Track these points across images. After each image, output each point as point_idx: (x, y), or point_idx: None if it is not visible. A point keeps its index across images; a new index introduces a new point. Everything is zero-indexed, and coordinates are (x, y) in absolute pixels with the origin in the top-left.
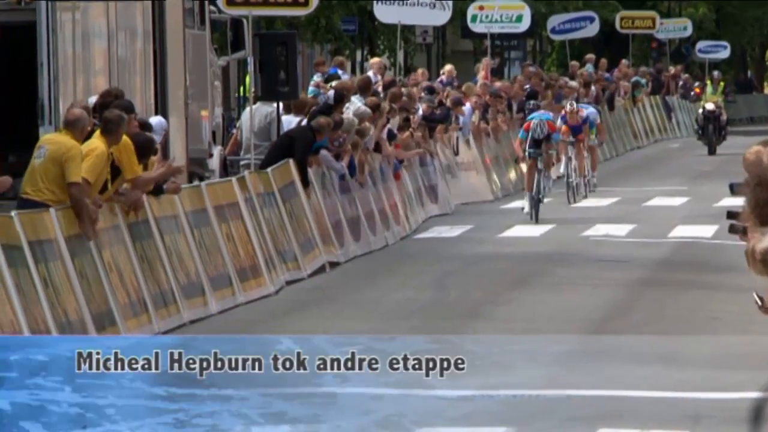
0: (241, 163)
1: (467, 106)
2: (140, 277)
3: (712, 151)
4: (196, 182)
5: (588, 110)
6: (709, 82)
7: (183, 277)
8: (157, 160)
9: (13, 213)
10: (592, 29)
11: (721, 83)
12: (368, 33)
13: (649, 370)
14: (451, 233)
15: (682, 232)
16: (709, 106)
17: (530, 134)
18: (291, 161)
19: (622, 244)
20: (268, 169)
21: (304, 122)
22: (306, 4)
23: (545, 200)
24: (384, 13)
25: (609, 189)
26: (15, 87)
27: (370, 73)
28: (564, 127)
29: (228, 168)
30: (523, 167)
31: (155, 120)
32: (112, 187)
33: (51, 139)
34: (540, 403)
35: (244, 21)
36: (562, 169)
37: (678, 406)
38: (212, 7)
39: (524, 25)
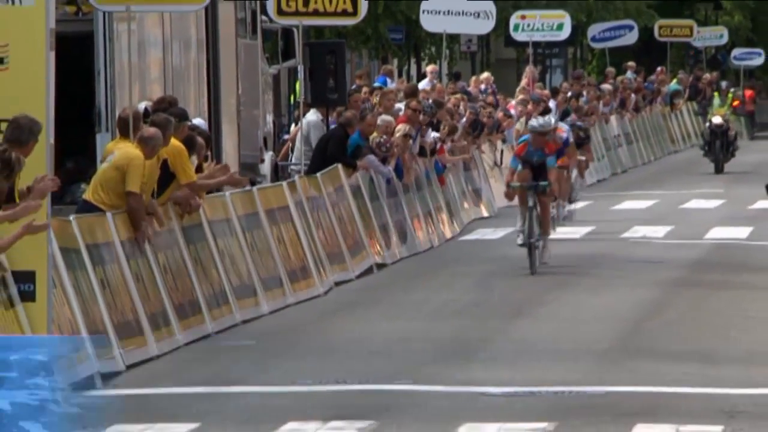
0: (291, 167)
1: (511, 111)
2: (194, 279)
3: (719, 169)
4: (248, 186)
5: (566, 128)
6: (716, 94)
7: (235, 279)
8: (209, 165)
9: (71, 217)
10: (631, 37)
11: (729, 95)
12: (414, 42)
13: (684, 368)
14: (495, 235)
15: (718, 233)
16: (716, 119)
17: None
18: (340, 166)
19: (659, 245)
20: (318, 174)
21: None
22: (354, 14)
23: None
24: (430, 23)
25: (647, 192)
26: (72, 95)
27: (426, 81)
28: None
29: (279, 173)
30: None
31: (198, 121)
32: (168, 191)
33: (120, 147)
34: (579, 399)
35: (295, 30)
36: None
37: (713, 402)
38: (264, 17)
39: (565, 33)
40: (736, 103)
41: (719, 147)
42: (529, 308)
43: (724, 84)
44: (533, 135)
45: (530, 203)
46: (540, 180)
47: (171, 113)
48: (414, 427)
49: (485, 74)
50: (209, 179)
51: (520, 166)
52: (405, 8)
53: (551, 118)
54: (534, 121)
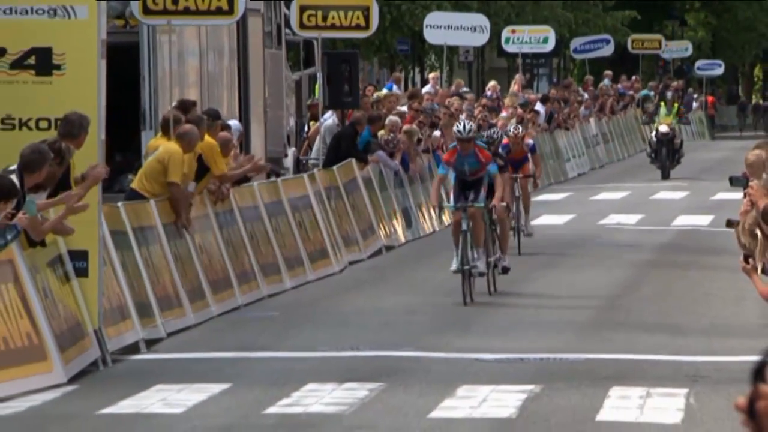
0: (311, 161)
1: (503, 114)
2: (226, 259)
3: (665, 176)
4: (273, 178)
5: (532, 136)
6: (662, 104)
7: (262, 258)
8: (234, 156)
9: (119, 204)
10: (608, 50)
11: (675, 104)
12: (419, 52)
13: (654, 338)
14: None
15: (683, 221)
16: (663, 128)
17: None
18: (353, 161)
19: (632, 231)
20: (334, 167)
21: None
22: (366, 27)
23: (479, 274)
24: (433, 36)
25: (621, 184)
26: (120, 98)
27: (429, 86)
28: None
29: (300, 166)
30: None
31: (233, 123)
32: (203, 182)
33: (163, 144)
34: (562, 365)
35: (315, 42)
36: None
37: (679, 368)
38: (287, 30)
39: (550, 45)
40: (681, 111)
41: (665, 154)
42: (517, 285)
43: (668, 94)
44: (459, 141)
45: (464, 226)
46: (474, 195)
47: (205, 113)
48: (418, 388)
49: (492, 82)
50: (237, 170)
51: (451, 175)
52: (411, 22)
53: (473, 126)
54: (458, 126)
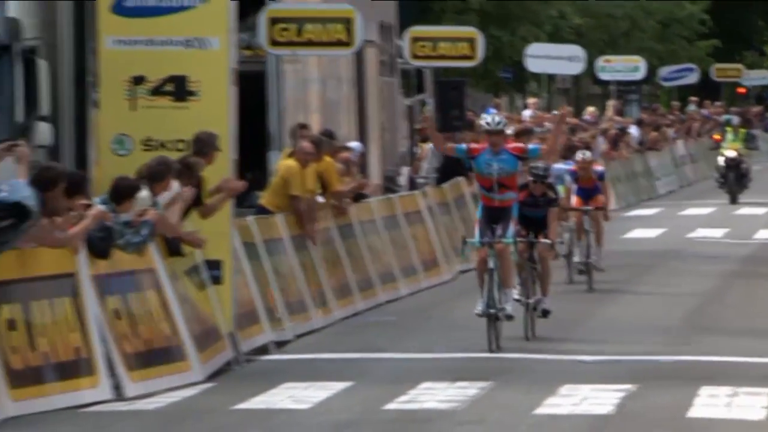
0: (422, 179)
1: (600, 138)
2: (347, 267)
3: (734, 200)
4: (389, 195)
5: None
6: (729, 129)
7: (380, 267)
8: (351, 174)
9: (250, 218)
10: (693, 77)
11: (741, 130)
12: (521, 80)
13: (739, 341)
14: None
15: (765, 234)
16: (730, 153)
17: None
18: (462, 179)
19: (717, 243)
20: (444, 185)
21: None
22: (472, 57)
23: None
24: (533, 64)
25: (707, 201)
26: (249, 121)
27: (529, 110)
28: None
29: (413, 183)
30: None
31: (355, 144)
32: (326, 198)
33: (283, 162)
34: (655, 366)
35: (426, 71)
36: (563, 249)
37: (762, 369)
38: (401, 60)
39: (640, 73)
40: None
41: (733, 179)
42: (612, 294)
43: (734, 120)
44: (488, 136)
45: (490, 264)
46: (502, 230)
47: (321, 134)
48: (524, 387)
49: (591, 108)
50: (347, 187)
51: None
52: (513, 53)
53: (503, 119)
54: (485, 118)
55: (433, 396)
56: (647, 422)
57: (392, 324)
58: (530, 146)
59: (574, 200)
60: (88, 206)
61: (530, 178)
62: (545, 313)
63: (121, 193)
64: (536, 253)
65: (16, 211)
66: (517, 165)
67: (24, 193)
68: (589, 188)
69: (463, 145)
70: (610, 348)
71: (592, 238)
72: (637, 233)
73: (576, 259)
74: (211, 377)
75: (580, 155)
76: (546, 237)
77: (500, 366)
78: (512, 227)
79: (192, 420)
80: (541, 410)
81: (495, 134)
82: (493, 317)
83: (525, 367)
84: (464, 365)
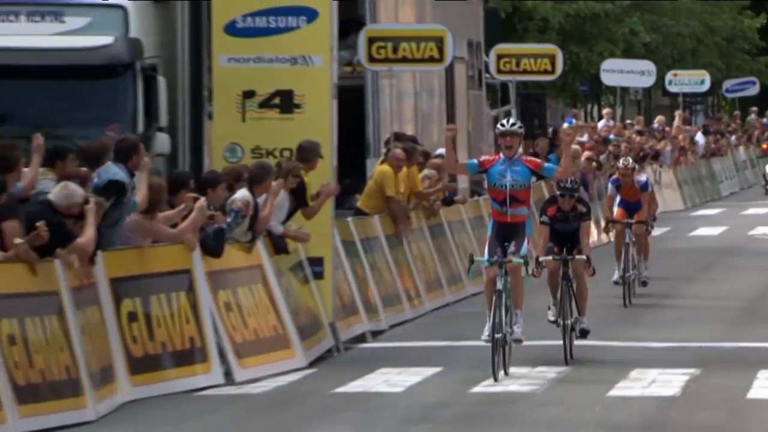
0: None
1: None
2: (438, 263)
3: None
4: (476, 197)
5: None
6: None
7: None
8: (442, 179)
9: (349, 219)
10: (754, 89)
11: None
12: (596, 92)
13: None
14: (653, 233)
15: None
16: None
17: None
18: (541, 182)
19: None
20: None
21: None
22: (553, 72)
23: None
24: (608, 78)
25: (767, 201)
26: (349, 131)
27: (604, 120)
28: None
29: None
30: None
31: (441, 151)
32: (412, 200)
33: (377, 168)
34: (717, 352)
35: (510, 84)
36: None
37: None
38: (487, 74)
39: (706, 86)
40: None
41: None
42: (678, 285)
43: None
44: (501, 138)
45: (498, 285)
46: (515, 247)
47: (407, 142)
48: (596, 372)
49: (660, 117)
50: (429, 190)
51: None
52: (589, 68)
53: (519, 123)
54: (501, 120)
55: (515, 380)
56: (710, 403)
57: (478, 314)
58: (546, 165)
59: (616, 212)
60: (196, 199)
61: (558, 193)
62: (584, 333)
63: (205, 183)
64: (571, 270)
65: (113, 190)
66: (530, 178)
67: (112, 171)
68: (634, 203)
69: (474, 160)
70: (676, 335)
71: (633, 251)
72: (702, 231)
73: (614, 277)
74: (312, 363)
75: (622, 162)
76: (580, 253)
77: (576, 352)
78: (526, 245)
79: (295, 403)
80: (613, 392)
81: (509, 135)
82: (499, 342)
83: (597, 352)
84: (543, 351)
